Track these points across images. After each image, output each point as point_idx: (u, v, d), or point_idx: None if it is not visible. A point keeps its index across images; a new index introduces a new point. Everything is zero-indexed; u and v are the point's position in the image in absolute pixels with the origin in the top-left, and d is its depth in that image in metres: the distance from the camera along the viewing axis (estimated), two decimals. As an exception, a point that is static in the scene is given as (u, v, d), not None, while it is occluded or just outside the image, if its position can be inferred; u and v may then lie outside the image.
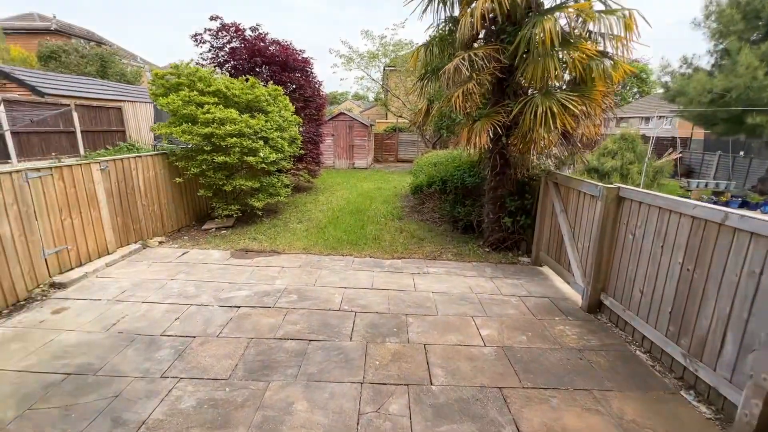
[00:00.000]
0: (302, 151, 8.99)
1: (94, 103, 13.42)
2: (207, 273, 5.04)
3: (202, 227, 7.11)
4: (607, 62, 4.74)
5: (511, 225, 6.08)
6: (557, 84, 4.85)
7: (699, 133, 19.69)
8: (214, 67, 9.41)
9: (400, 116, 17.73)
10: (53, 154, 11.40)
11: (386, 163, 21.00)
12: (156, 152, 6.34)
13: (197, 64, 9.18)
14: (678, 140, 18.64)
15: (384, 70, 18.97)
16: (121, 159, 5.53)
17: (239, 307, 4.17)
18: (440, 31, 5.88)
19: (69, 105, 12.30)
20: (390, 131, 21.48)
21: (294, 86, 10.03)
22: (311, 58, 10.20)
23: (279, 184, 7.59)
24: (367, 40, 15.42)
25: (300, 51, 10.05)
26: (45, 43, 19.42)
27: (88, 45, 22.10)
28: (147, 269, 5.11)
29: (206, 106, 6.34)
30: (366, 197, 10.31)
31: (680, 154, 19.10)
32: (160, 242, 6.22)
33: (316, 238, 6.61)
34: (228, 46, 9.27)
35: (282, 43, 9.57)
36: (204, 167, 6.38)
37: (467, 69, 4.64)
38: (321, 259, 5.70)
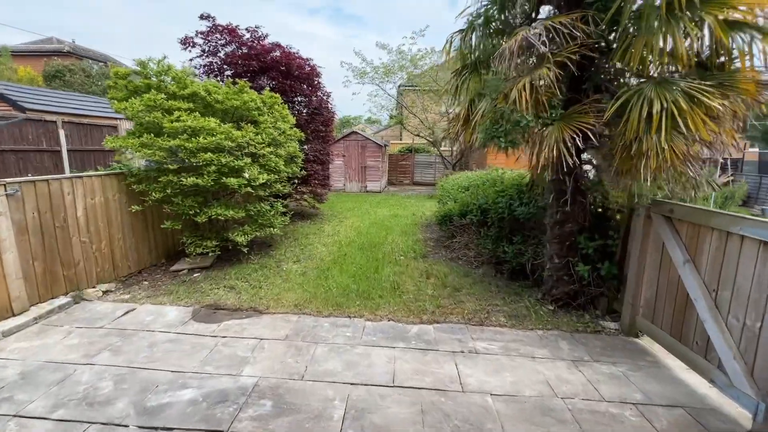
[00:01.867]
0: (304, 172, 7.47)
1: (85, 121, 12.31)
2: (146, 350, 3.37)
3: (171, 268, 5.51)
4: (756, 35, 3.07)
5: (588, 275, 4.29)
6: (678, 69, 3.19)
7: (751, 155, 17.65)
8: (209, 76, 8.11)
9: (418, 135, 16.28)
10: (29, 174, 10.16)
11: (401, 185, 19.46)
12: (105, 172, 4.84)
13: (193, 76, 7.89)
14: (728, 162, 16.63)
15: (399, 88, 17.65)
16: (47, 180, 4.02)
17: (170, 430, 2.46)
18: (486, 11, 4.34)
19: (55, 121, 11.19)
20: (405, 152, 20.07)
21: (298, 97, 8.63)
22: (318, 66, 8.85)
23: (272, 212, 6.00)
24: (383, 52, 14.11)
25: (307, 59, 8.71)
26: (50, 63, 18.91)
27: (97, 65, 21.66)
28: (62, 341, 3.47)
29: (177, 113, 4.87)
30: (380, 227, 8.65)
31: (731, 178, 17.04)
32: (106, 292, 4.62)
33: (315, 286, 4.91)
34: (223, 50, 7.97)
35: (285, 48, 8.24)
36: (169, 191, 4.83)
37: (544, 44, 3.01)
38: (318, 323, 3.97)
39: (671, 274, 3.49)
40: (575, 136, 3.15)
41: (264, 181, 5.46)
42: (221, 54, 7.97)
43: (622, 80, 3.80)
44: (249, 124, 5.67)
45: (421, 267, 5.82)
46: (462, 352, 3.52)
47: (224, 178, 4.98)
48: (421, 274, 5.50)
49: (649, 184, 3.08)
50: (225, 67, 7.98)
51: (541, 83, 3.21)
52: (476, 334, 3.88)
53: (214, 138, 4.85)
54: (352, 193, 15.52)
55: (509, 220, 5.24)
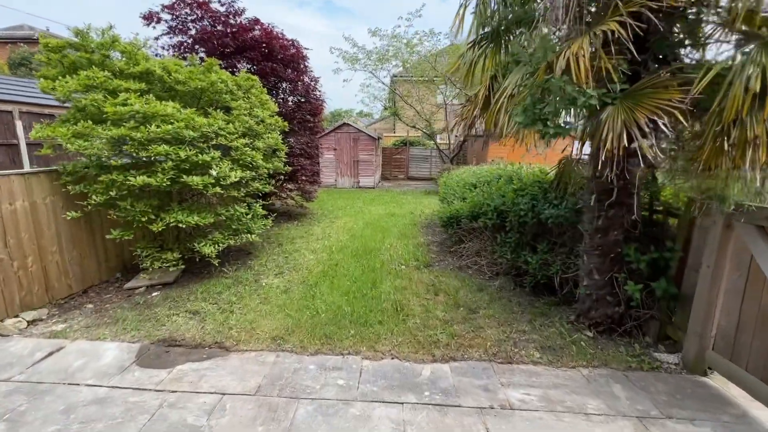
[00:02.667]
0: (289, 168, 6.52)
1: (47, 111, 11.12)
2: (59, 418, 2.43)
3: (126, 285, 4.55)
4: None
5: (639, 295, 3.46)
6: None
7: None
8: (179, 58, 7.07)
9: (413, 127, 15.35)
10: (-22, 171, 9.01)
11: (396, 181, 18.55)
12: (29, 170, 3.84)
13: (157, 56, 6.85)
14: None
15: (392, 78, 16.52)
16: (-64, 182, 3.03)
17: None
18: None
19: (10, 111, 10.01)
20: (399, 145, 19.14)
21: (283, 83, 7.63)
22: (304, 48, 7.84)
23: (249, 216, 5.05)
24: (376, 39, 12.89)
25: (291, 40, 7.69)
26: (16, 50, 17.48)
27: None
28: (-56, 405, 2.52)
29: (123, 95, 3.87)
30: (376, 228, 7.75)
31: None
32: (32, 321, 3.65)
33: (299, 309, 4.00)
34: (193, 26, 6.92)
35: (266, 26, 7.21)
36: (113, 193, 3.85)
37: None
38: (301, 365, 3.07)
39: (765, 301, 2.66)
40: (656, 117, 2.27)
41: (237, 179, 4.51)
42: (192, 32, 6.92)
43: (691, 49, 2.92)
44: (219, 111, 4.69)
45: (426, 279, 4.94)
46: (491, 407, 2.65)
47: (185, 176, 4.01)
48: (428, 290, 4.62)
49: (759, 183, 2.22)
50: (197, 47, 6.94)
51: (598, 48, 2.31)
52: (505, 376, 3.02)
53: (170, 126, 3.87)
54: (344, 190, 14.57)
55: (533, 224, 4.39)
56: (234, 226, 4.86)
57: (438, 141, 15.54)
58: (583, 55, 2.29)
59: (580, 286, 3.86)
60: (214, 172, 4.20)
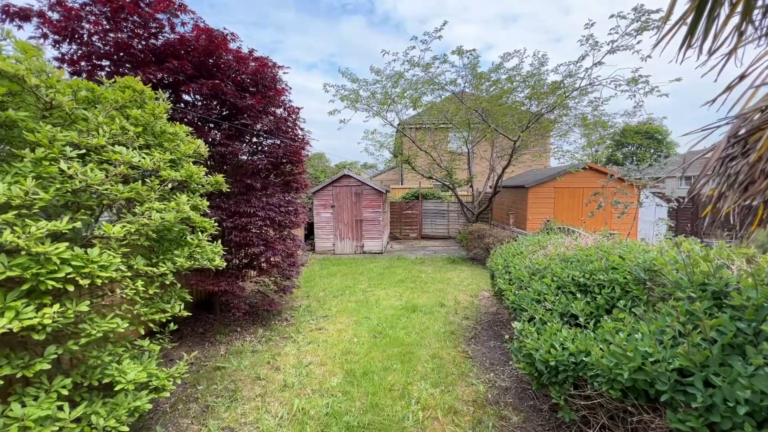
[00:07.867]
0: (222, 262, 3.39)
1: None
2: None
3: None
4: None
5: None
6: None
7: None
8: (73, 75, 4.34)
9: (430, 177, 12.52)
10: None
11: (407, 241, 15.46)
12: None
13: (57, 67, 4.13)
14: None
15: (400, 126, 13.57)
16: None
17: None
18: None
19: None
20: (410, 199, 16.32)
21: (243, 116, 4.81)
22: (279, 66, 5.14)
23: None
24: (381, 78, 10.30)
25: (254, 53, 5.00)
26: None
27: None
28: None
29: None
30: (391, 347, 4.49)
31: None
32: None
33: None
34: (86, 24, 4.26)
35: (201, 25, 4.55)
36: None
37: None
38: None
39: None
40: None
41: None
42: (85, 35, 4.24)
43: None
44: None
45: None
46: None
47: None
48: None
49: None
50: (95, 59, 4.26)
51: None
52: None
53: None
54: (344, 257, 11.44)
55: None
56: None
57: (460, 192, 12.63)
58: None
59: None
60: None
